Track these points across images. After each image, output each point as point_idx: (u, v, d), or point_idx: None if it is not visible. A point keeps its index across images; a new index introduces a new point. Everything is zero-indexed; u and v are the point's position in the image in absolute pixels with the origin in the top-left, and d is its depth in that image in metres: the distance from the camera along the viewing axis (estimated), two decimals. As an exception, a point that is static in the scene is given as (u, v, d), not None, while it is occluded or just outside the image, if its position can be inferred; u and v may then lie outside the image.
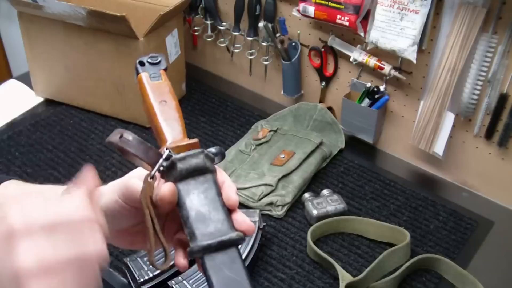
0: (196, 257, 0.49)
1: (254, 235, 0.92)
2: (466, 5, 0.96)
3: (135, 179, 0.53)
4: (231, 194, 0.52)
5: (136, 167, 0.57)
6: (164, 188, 0.50)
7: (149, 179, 0.51)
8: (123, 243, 0.60)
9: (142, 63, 0.59)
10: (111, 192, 0.54)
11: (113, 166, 1.16)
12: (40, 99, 1.37)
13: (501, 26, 0.95)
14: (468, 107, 1.04)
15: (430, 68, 1.07)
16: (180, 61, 1.34)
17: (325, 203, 1.03)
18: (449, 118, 1.06)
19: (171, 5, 1.19)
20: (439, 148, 1.10)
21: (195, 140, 0.54)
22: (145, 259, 0.88)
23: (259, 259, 0.95)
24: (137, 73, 0.60)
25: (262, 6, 1.26)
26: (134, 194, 0.52)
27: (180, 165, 0.51)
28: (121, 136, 0.53)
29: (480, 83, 1.01)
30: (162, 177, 0.52)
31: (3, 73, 2.29)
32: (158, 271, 0.86)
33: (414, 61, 1.04)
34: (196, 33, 1.44)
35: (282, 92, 1.34)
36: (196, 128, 1.28)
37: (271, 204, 1.05)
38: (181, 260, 0.50)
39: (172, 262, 0.52)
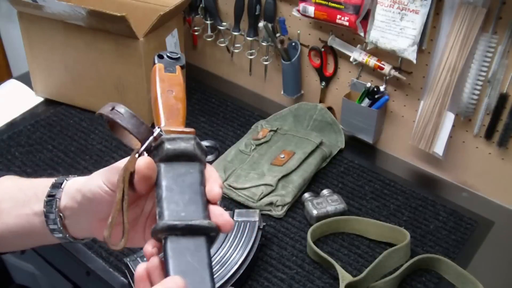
0: (160, 238, 0.46)
1: (254, 235, 0.92)
2: (466, 5, 0.96)
3: (120, 163, 0.53)
4: (214, 186, 0.50)
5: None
6: (140, 160, 0.50)
7: (136, 155, 0.51)
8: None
9: (161, 56, 0.60)
10: (97, 177, 0.54)
11: (113, 166, 1.16)
12: (40, 99, 1.37)
13: (501, 26, 0.95)
14: (468, 107, 1.04)
15: (430, 68, 1.07)
16: (180, 61, 1.34)
17: (325, 203, 1.03)
18: (449, 118, 1.06)
19: (171, 5, 1.19)
20: (439, 148, 1.10)
21: (191, 129, 0.53)
22: (145, 259, 0.88)
23: (259, 259, 0.95)
24: (154, 64, 0.60)
25: (262, 6, 1.26)
26: (115, 178, 0.52)
27: (168, 145, 0.50)
28: (112, 109, 0.52)
29: (480, 83, 1.01)
30: (149, 155, 0.51)
31: (3, 73, 2.29)
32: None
33: (414, 61, 1.04)
34: (196, 33, 1.44)
35: (282, 92, 1.34)
36: (196, 128, 1.28)
37: (271, 204, 1.04)
38: (148, 247, 0.48)
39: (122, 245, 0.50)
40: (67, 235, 0.59)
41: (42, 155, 1.19)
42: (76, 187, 0.57)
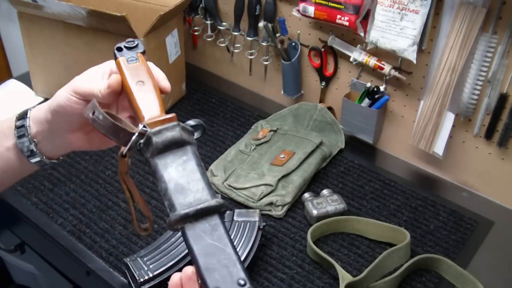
0: (177, 228, 0.48)
1: (254, 235, 0.92)
2: (466, 5, 0.96)
3: (80, 79, 0.60)
4: (164, 82, 0.59)
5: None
6: (112, 78, 0.57)
7: (126, 159, 0.55)
8: (81, 144, 0.64)
9: (119, 49, 0.61)
10: (62, 92, 0.60)
11: (113, 166, 1.16)
12: (40, 99, 1.37)
13: (501, 26, 0.95)
14: (468, 107, 1.04)
15: (430, 68, 1.07)
16: (180, 61, 1.34)
17: (325, 203, 1.03)
18: (449, 118, 1.06)
19: (171, 5, 1.19)
20: (439, 148, 1.10)
21: (171, 114, 0.54)
22: (145, 259, 0.88)
23: (259, 259, 0.95)
24: (115, 58, 0.61)
25: (262, 6, 1.26)
26: (79, 87, 0.58)
27: (156, 139, 0.51)
28: (93, 113, 0.54)
29: (480, 83, 1.01)
30: (140, 153, 0.53)
31: (3, 73, 2.29)
32: (158, 271, 0.86)
33: (414, 61, 1.04)
34: (196, 33, 1.44)
35: (282, 92, 1.34)
36: (196, 128, 1.28)
37: (271, 204, 1.04)
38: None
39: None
40: (44, 157, 0.64)
41: (42, 155, 1.19)
42: (42, 110, 0.62)
